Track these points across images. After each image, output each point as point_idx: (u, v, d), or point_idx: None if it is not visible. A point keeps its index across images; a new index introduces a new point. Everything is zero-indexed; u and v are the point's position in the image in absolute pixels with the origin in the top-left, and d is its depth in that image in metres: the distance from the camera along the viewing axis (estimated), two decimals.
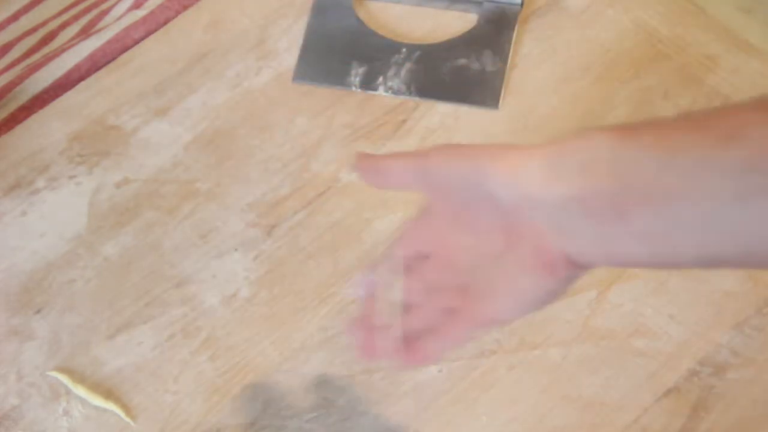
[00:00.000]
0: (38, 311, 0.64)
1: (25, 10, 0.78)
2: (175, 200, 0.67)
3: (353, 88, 0.71)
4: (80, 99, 0.72)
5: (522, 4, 0.72)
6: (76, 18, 0.78)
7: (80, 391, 0.60)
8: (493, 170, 0.41)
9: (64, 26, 0.77)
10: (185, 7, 0.76)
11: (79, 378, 0.61)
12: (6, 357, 0.62)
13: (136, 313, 0.63)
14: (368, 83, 0.71)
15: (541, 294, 0.42)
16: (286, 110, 0.71)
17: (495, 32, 0.72)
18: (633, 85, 0.69)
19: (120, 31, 0.75)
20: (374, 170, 0.48)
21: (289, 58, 0.73)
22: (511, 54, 0.71)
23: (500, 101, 0.69)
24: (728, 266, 0.37)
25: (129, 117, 0.71)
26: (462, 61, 0.71)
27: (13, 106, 0.73)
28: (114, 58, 0.74)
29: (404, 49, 0.72)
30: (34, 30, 0.77)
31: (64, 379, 0.61)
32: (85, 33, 0.76)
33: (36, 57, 0.76)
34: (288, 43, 0.73)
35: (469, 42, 0.72)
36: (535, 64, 0.71)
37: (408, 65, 0.72)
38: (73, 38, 0.76)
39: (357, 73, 0.71)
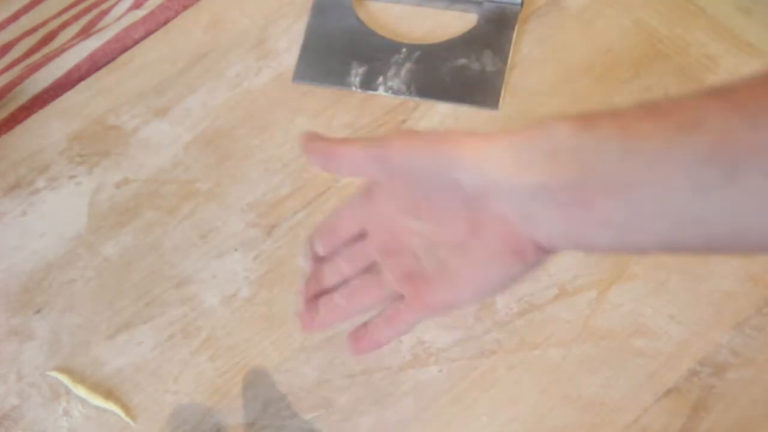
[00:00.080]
0: (38, 311, 0.64)
1: (25, 10, 0.78)
2: (175, 200, 0.67)
3: (353, 88, 0.71)
4: (80, 99, 0.73)
5: (522, 4, 0.72)
6: (76, 18, 0.78)
7: (80, 391, 0.60)
8: (457, 158, 0.41)
9: (64, 26, 0.77)
10: (185, 7, 0.76)
11: (79, 378, 0.61)
12: (6, 357, 0.62)
13: (136, 313, 0.63)
14: (368, 83, 0.71)
15: (506, 279, 0.43)
16: (286, 110, 0.71)
17: (495, 32, 0.72)
18: (633, 85, 0.69)
19: (120, 31, 0.75)
20: (326, 155, 0.46)
21: (289, 58, 0.73)
22: (511, 54, 0.71)
23: (500, 101, 0.69)
24: (694, 253, 0.37)
25: (129, 117, 0.71)
26: (462, 61, 0.71)
27: (13, 106, 0.73)
28: (114, 58, 0.75)
29: (404, 49, 0.72)
30: (34, 30, 0.77)
31: (64, 379, 0.61)
32: (85, 33, 0.76)
33: (36, 57, 0.76)
34: (288, 43, 0.73)
35: (469, 42, 0.72)
36: (535, 64, 0.71)
37: (408, 65, 0.72)
38: (73, 38, 0.76)
39: (357, 73, 0.71)
